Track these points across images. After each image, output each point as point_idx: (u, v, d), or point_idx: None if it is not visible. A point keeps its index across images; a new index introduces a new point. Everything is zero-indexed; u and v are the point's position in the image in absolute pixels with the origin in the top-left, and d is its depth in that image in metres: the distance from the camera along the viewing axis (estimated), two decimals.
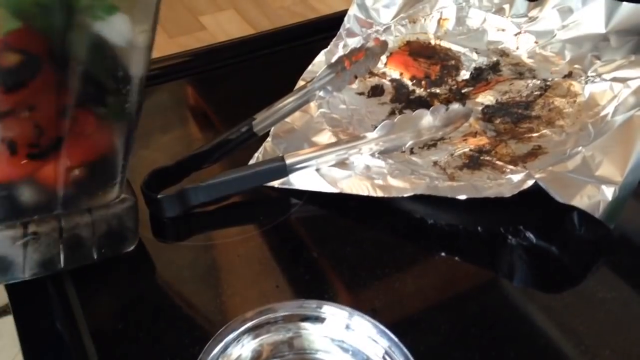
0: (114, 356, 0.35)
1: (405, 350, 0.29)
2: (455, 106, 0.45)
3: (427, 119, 0.44)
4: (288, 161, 0.42)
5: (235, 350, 0.30)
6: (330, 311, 0.31)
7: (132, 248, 0.40)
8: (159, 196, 0.41)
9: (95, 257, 0.39)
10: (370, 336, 0.31)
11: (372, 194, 0.42)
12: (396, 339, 0.30)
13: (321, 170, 0.43)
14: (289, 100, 0.46)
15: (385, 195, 0.41)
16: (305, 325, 0.31)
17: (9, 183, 0.35)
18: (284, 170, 0.42)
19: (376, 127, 0.48)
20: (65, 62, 0.32)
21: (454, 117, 0.45)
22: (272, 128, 0.46)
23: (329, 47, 0.53)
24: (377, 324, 0.31)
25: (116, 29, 0.33)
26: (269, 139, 0.46)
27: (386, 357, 0.30)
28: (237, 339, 0.30)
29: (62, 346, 0.36)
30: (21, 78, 0.32)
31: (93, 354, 0.35)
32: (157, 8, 0.33)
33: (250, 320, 0.31)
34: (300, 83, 0.50)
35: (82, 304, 0.38)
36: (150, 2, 0.33)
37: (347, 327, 0.31)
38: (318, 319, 0.31)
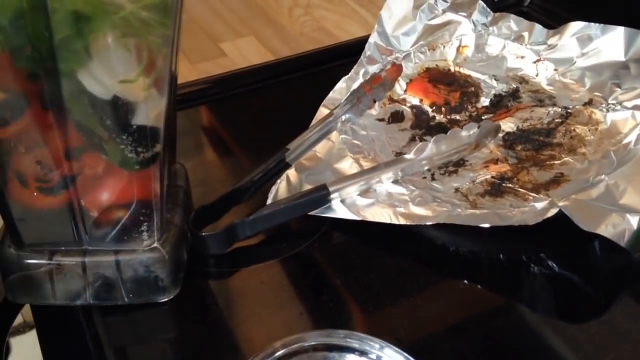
0: None
1: None
2: (486, 121, 0.46)
3: (462, 135, 0.45)
4: (331, 188, 0.42)
5: None
6: (360, 342, 0.31)
7: (166, 299, 0.38)
8: (208, 233, 0.41)
9: (126, 300, 0.38)
10: None
11: (395, 221, 0.42)
12: None
13: (343, 199, 0.43)
14: (317, 129, 0.47)
15: (408, 223, 0.42)
16: (334, 355, 0.31)
17: (27, 210, 0.35)
18: (328, 199, 0.42)
19: (398, 152, 0.48)
20: (52, 105, 0.32)
21: (486, 132, 0.46)
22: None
23: (349, 74, 0.53)
24: (409, 357, 0.30)
25: (92, 78, 0.31)
26: (291, 168, 0.46)
27: None
28: None
29: None
30: (5, 115, 0.32)
31: None
32: (145, 59, 0.31)
33: (279, 350, 0.31)
34: (322, 110, 0.51)
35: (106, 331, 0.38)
36: (127, 55, 0.31)
37: (378, 359, 0.31)
38: (347, 349, 0.31)
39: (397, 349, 0.31)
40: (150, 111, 0.32)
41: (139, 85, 0.32)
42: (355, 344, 0.31)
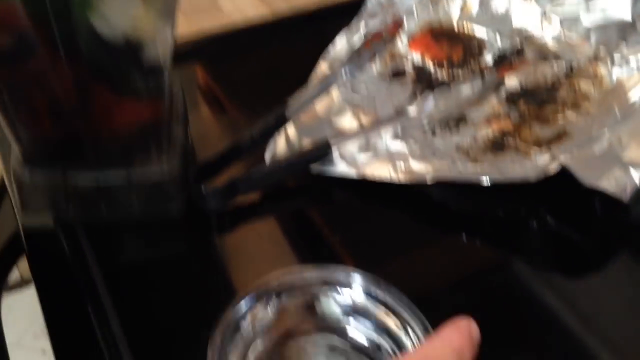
0: (131, 305, 0.36)
1: (426, 322, 0.29)
2: (490, 75, 0.46)
3: (465, 89, 0.44)
4: (332, 144, 0.42)
5: (259, 309, 0.30)
6: (355, 277, 0.31)
7: (177, 210, 0.40)
8: (208, 189, 0.40)
9: (139, 212, 0.40)
10: (392, 306, 0.30)
11: (394, 177, 0.41)
12: (417, 310, 0.29)
13: (343, 154, 0.43)
14: (317, 84, 0.46)
15: (408, 179, 0.41)
16: (329, 289, 0.31)
17: (38, 136, 0.37)
18: (329, 155, 0.42)
19: (398, 109, 0.48)
20: (63, 45, 0.33)
21: (489, 87, 0.45)
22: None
23: (349, 27, 0.52)
24: (401, 294, 0.30)
25: (102, 19, 0.33)
26: (290, 123, 0.46)
27: (407, 327, 0.29)
28: (262, 297, 0.30)
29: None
30: (17, 56, 0.34)
31: (106, 295, 0.36)
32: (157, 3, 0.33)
33: (275, 281, 0.30)
34: (322, 65, 0.50)
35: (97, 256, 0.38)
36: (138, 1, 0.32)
37: (370, 294, 0.31)
38: (342, 284, 0.31)
39: (390, 285, 0.30)
40: (158, 44, 0.34)
41: (148, 22, 0.33)
42: (349, 279, 0.31)
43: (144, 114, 0.37)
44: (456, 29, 0.54)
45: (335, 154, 0.42)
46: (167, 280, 0.38)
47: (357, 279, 0.31)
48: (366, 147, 0.43)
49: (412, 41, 0.53)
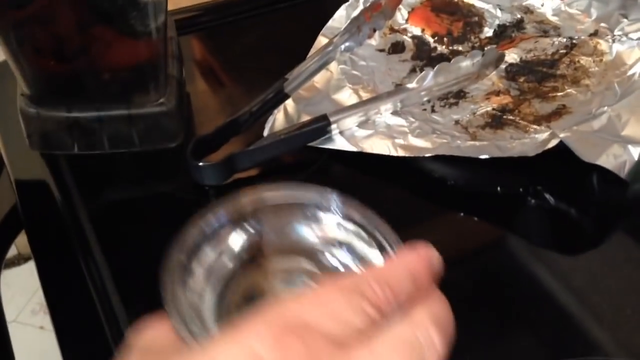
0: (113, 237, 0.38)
1: (396, 236, 0.27)
2: (490, 49, 0.45)
3: (465, 64, 0.44)
4: (332, 119, 0.42)
5: (229, 229, 0.27)
6: (332, 198, 0.28)
7: (174, 144, 0.43)
8: (205, 164, 0.40)
9: (139, 146, 0.42)
10: (368, 228, 0.28)
11: (393, 153, 0.41)
12: (394, 234, 0.27)
13: (342, 130, 0.43)
14: (316, 59, 0.45)
15: (407, 155, 0.41)
16: (305, 210, 0.28)
17: (43, 74, 0.40)
18: (328, 130, 0.42)
19: (398, 84, 0.47)
20: None
21: (489, 61, 0.45)
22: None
23: (349, 1, 0.52)
24: (378, 217, 0.28)
25: None
26: (289, 98, 0.45)
27: (383, 251, 0.27)
28: (234, 217, 0.27)
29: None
30: None
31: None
32: None
33: (248, 202, 0.27)
34: (321, 39, 0.49)
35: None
36: None
37: (347, 216, 0.28)
38: (318, 206, 0.28)
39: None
40: None
41: None
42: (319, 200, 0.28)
43: (142, 52, 0.40)
44: (456, 3, 0.53)
45: (334, 129, 0.42)
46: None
47: (334, 200, 0.28)
48: (365, 122, 0.43)
49: (412, 14, 0.52)
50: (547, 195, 0.40)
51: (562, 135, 0.39)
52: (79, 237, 0.39)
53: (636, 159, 0.37)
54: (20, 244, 0.46)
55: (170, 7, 0.55)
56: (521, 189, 0.41)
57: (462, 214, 0.40)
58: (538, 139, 0.40)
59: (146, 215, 0.41)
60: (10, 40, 0.38)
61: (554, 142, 0.39)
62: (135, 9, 0.37)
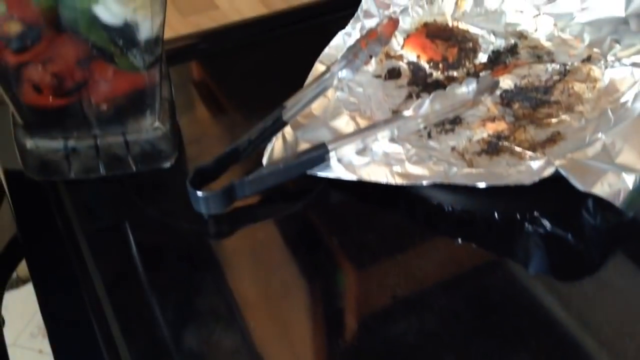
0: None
1: None
2: (485, 76, 0.46)
3: (460, 91, 0.45)
4: (330, 147, 0.42)
5: None
6: None
7: (169, 164, 0.45)
8: (205, 194, 0.40)
9: (134, 169, 0.44)
10: None
11: (391, 181, 0.42)
12: None
13: (340, 157, 0.43)
14: (314, 86, 0.46)
15: (404, 183, 0.42)
16: None
17: (42, 109, 0.41)
18: (326, 158, 0.42)
19: (394, 110, 0.48)
20: (66, 30, 0.37)
21: (484, 87, 0.45)
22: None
23: (346, 29, 0.52)
24: None
25: (105, 9, 0.37)
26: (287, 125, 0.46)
27: None
28: None
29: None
30: (26, 44, 0.38)
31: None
32: None
33: None
34: (318, 66, 0.50)
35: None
36: None
37: None
38: None
39: None
40: (153, 24, 0.38)
41: (145, 8, 0.37)
42: None
43: (140, 82, 0.41)
44: (451, 28, 0.54)
45: (333, 157, 0.43)
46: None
47: None
48: (363, 150, 0.44)
49: (407, 40, 0.53)
50: (544, 221, 0.41)
51: (557, 163, 0.39)
52: (77, 261, 0.40)
53: (630, 187, 0.38)
54: (19, 267, 0.46)
55: (168, 35, 0.56)
56: (518, 215, 0.41)
57: (459, 240, 0.41)
58: (533, 166, 0.41)
59: (145, 241, 0.41)
60: (8, 80, 0.39)
61: (549, 171, 0.39)
62: (135, 46, 0.38)
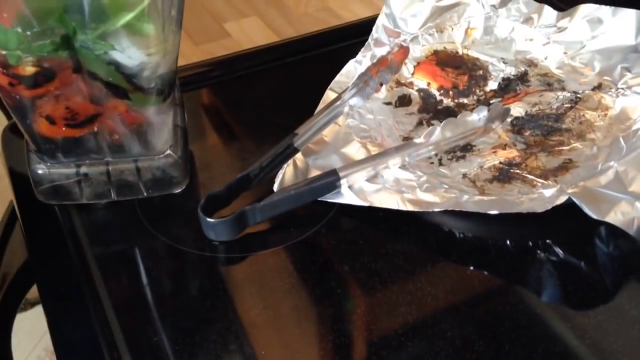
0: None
1: None
2: (496, 104, 0.46)
3: (471, 118, 0.45)
4: (341, 174, 0.42)
5: None
6: None
7: (180, 190, 0.45)
8: (217, 220, 0.41)
9: (145, 194, 0.44)
10: None
11: (402, 207, 0.42)
12: None
13: (351, 185, 0.43)
14: (325, 113, 0.46)
15: (415, 209, 0.41)
16: None
17: (56, 139, 0.41)
18: (337, 184, 0.42)
19: (405, 137, 0.48)
20: (80, 71, 0.38)
21: (495, 115, 0.46)
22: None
23: (357, 57, 0.53)
24: None
25: (122, 54, 0.37)
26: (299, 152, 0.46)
27: None
28: None
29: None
30: (39, 82, 0.38)
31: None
32: (166, 35, 0.37)
33: None
34: (329, 93, 0.50)
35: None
36: (150, 37, 0.37)
37: None
38: None
39: None
40: (168, 63, 0.39)
41: (161, 51, 0.38)
42: None
43: (152, 114, 0.41)
44: (461, 56, 0.54)
45: (344, 184, 0.43)
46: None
47: None
48: (374, 177, 0.44)
49: (418, 68, 0.54)
50: (557, 249, 0.40)
51: (569, 191, 0.39)
52: (88, 285, 0.40)
53: None
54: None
55: (181, 63, 0.57)
56: (530, 243, 0.41)
57: (471, 268, 0.40)
58: (546, 194, 0.40)
59: (155, 266, 0.41)
60: (22, 111, 0.39)
61: (562, 199, 0.39)
62: (149, 84, 0.39)
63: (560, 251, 0.40)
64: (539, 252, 0.40)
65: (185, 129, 0.46)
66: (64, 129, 0.40)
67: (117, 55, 0.37)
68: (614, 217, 0.37)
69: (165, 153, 0.43)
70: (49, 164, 0.42)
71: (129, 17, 0.35)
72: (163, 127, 0.42)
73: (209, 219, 0.40)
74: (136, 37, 0.36)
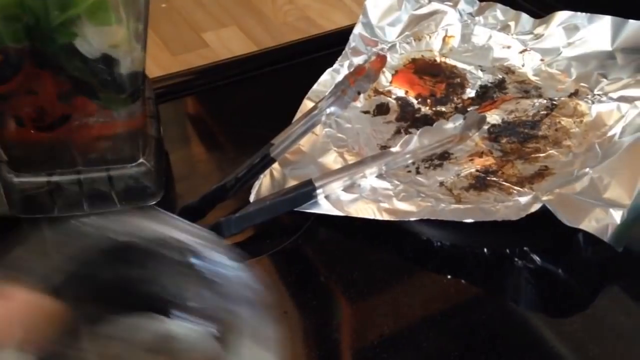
0: None
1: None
2: (472, 112, 0.46)
3: (448, 126, 0.45)
4: (317, 184, 0.42)
5: None
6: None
7: (155, 202, 0.44)
8: None
9: (119, 206, 0.43)
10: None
11: (379, 217, 0.41)
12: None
13: (327, 194, 0.43)
14: (302, 123, 0.46)
15: (392, 219, 0.41)
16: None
17: (24, 144, 0.40)
18: (314, 195, 0.42)
19: (383, 146, 0.48)
20: (45, 64, 0.37)
21: (471, 123, 0.45)
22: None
23: (334, 66, 0.53)
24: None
25: (84, 42, 0.36)
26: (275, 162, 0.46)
27: None
28: None
29: None
30: (4, 76, 0.37)
31: None
32: (130, 29, 0.37)
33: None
34: (307, 103, 0.50)
35: None
36: (113, 28, 0.36)
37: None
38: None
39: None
40: (133, 59, 0.38)
41: (125, 43, 0.37)
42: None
43: (123, 118, 0.40)
44: (438, 64, 0.54)
45: (320, 194, 0.43)
46: None
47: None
48: (351, 187, 0.43)
49: (395, 76, 0.54)
50: (535, 257, 0.40)
51: (544, 198, 0.39)
52: None
53: (618, 222, 0.37)
54: None
55: (157, 73, 0.56)
56: (508, 250, 0.41)
57: (449, 276, 0.40)
58: (521, 202, 0.40)
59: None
60: None
61: (536, 206, 0.39)
62: (115, 81, 0.38)
63: (538, 258, 0.40)
64: (516, 259, 0.40)
65: (161, 139, 0.46)
66: (33, 131, 0.40)
67: (81, 46, 0.36)
68: (588, 224, 0.37)
69: (138, 161, 0.42)
70: (20, 173, 0.41)
71: (89, 1, 0.35)
72: (134, 132, 0.42)
73: None
74: (99, 27, 0.36)
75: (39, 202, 0.42)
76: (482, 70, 0.53)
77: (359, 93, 0.50)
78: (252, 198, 0.44)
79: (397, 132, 0.49)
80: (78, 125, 0.40)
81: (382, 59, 0.52)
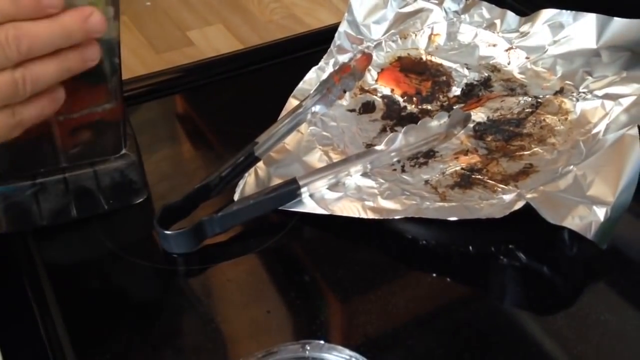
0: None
1: None
2: (457, 110, 0.46)
3: (433, 124, 0.45)
4: (301, 182, 0.42)
5: None
6: (333, 355, 0.30)
7: (141, 200, 0.44)
8: (174, 232, 0.40)
9: (106, 207, 0.43)
10: None
11: (363, 215, 0.41)
12: None
13: (312, 193, 0.43)
14: (287, 121, 0.46)
15: (376, 217, 0.41)
16: None
17: (4, 144, 0.38)
18: (298, 193, 0.42)
19: (368, 144, 0.48)
20: None
21: (456, 121, 0.45)
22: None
23: (319, 64, 0.52)
24: None
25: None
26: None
27: None
28: None
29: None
30: None
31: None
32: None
33: None
34: (292, 101, 0.50)
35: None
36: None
37: None
38: None
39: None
40: (110, 28, 0.37)
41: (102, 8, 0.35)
42: (328, 357, 0.30)
43: (101, 100, 0.40)
44: (424, 62, 0.54)
45: (304, 192, 0.42)
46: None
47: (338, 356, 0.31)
48: (335, 185, 0.43)
49: (381, 74, 0.53)
50: (520, 254, 0.40)
51: (528, 196, 0.39)
52: (40, 305, 0.39)
53: (602, 219, 0.37)
54: None
55: (141, 71, 0.56)
56: (493, 248, 0.41)
57: (434, 275, 0.40)
58: (505, 200, 0.40)
59: (110, 281, 0.41)
60: None
61: (520, 204, 0.39)
62: None
63: (523, 256, 0.40)
64: (501, 257, 0.40)
65: (135, 137, 0.45)
66: None
67: None
68: (571, 222, 0.37)
69: (122, 152, 0.42)
70: (4, 180, 0.40)
71: None
72: (115, 122, 0.41)
73: (165, 231, 0.40)
74: None
75: (26, 210, 0.41)
76: (467, 68, 0.53)
77: (344, 91, 0.49)
78: (236, 197, 0.43)
79: (383, 130, 0.49)
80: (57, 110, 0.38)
81: (367, 57, 0.52)
